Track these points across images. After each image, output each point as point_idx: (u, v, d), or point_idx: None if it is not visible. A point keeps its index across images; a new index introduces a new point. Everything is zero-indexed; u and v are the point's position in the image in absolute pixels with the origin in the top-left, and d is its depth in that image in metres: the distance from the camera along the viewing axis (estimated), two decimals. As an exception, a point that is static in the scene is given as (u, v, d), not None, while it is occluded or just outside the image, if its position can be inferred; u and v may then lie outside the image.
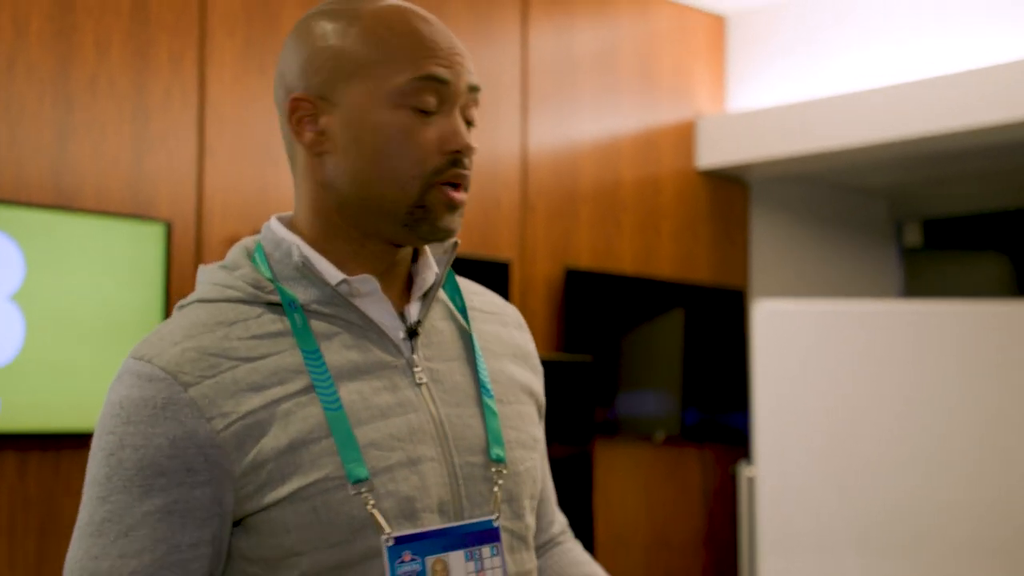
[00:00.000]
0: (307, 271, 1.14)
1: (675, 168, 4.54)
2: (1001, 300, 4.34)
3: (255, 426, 1.07)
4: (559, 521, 1.39)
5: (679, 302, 4.47)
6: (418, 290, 1.19)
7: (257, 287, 1.14)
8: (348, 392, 1.11)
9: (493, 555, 1.13)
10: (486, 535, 1.13)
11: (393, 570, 1.07)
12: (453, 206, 1.14)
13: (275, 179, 3.40)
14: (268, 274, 1.15)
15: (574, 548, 1.37)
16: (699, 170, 4.61)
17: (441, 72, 1.13)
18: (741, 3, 4.67)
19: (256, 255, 1.17)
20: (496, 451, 1.16)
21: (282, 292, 1.14)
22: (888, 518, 3.98)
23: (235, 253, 1.19)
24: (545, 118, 4.13)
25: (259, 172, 3.37)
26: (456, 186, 1.14)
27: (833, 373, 4.10)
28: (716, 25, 4.76)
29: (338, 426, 1.08)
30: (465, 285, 1.29)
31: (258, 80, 3.39)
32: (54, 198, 2.99)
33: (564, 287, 4.08)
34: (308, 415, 1.08)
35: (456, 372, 1.19)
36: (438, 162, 1.13)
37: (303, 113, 1.14)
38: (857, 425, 4.05)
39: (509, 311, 1.32)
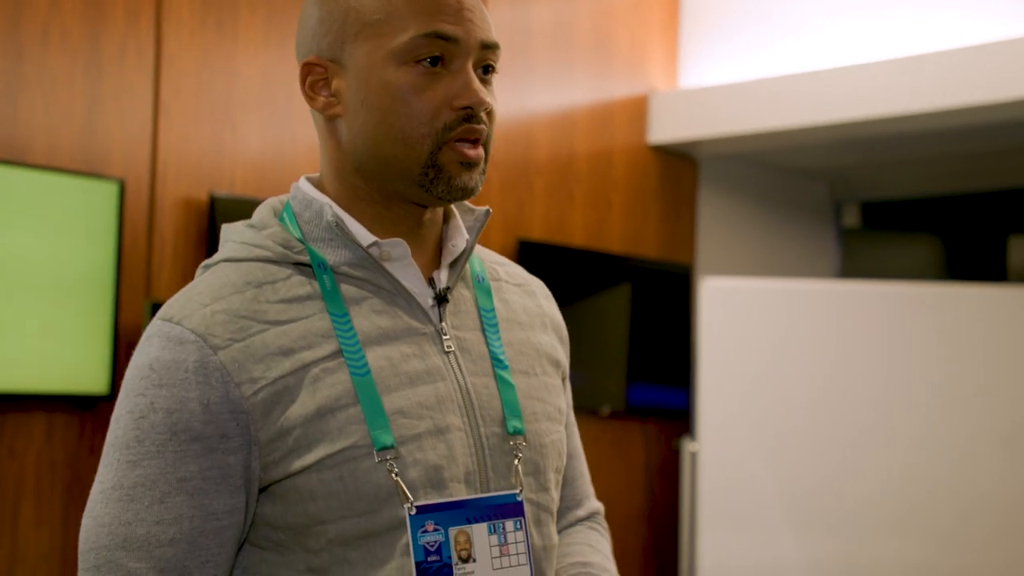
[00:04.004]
0: (339, 231, 1.12)
1: (628, 143, 4.54)
2: (938, 283, 4.43)
3: (283, 392, 1.05)
4: (588, 506, 1.35)
5: (627, 277, 4.48)
6: (448, 256, 1.17)
7: (286, 247, 1.12)
8: (376, 358, 1.09)
9: (516, 529, 1.12)
10: (510, 509, 1.12)
11: (415, 539, 1.06)
12: (468, 163, 1.12)
13: (231, 139, 3.33)
14: (298, 234, 1.13)
15: (581, 533, 1.32)
16: (650, 145, 4.62)
17: (447, 29, 1.10)
18: (696, -21, 4.67)
19: (284, 215, 1.15)
20: (513, 423, 1.15)
21: (312, 253, 1.11)
22: (825, 496, 4.05)
23: (262, 212, 1.17)
24: (500, 89, 4.06)
25: (215, 132, 3.30)
26: (474, 142, 1.12)
27: (776, 351, 4.16)
28: (671, 1, 4.75)
29: (365, 393, 1.06)
30: (490, 256, 1.28)
31: (215, 37, 3.31)
32: (4, 152, 2.89)
33: (517, 258, 4.06)
34: (336, 381, 1.06)
35: (481, 342, 1.17)
36: (449, 118, 1.11)
37: (316, 77, 1.13)
38: (797, 403, 4.11)
39: (535, 282, 1.31)
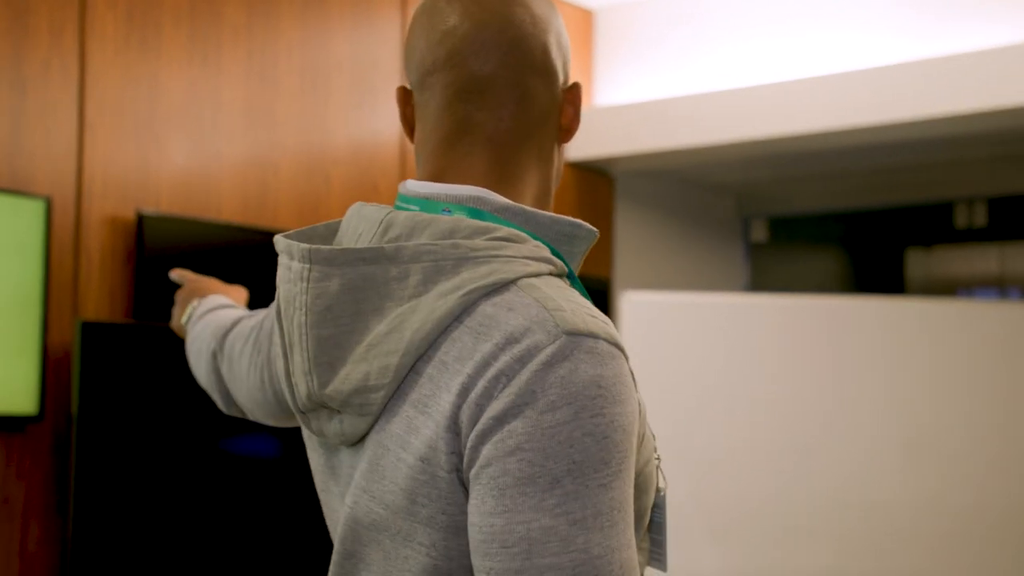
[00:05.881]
0: (578, 243, 1.10)
1: (545, 159, 4.61)
2: (851, 295, 4.59)
3: None
4: None
5: (547, 291, 4.54)
6: None
7: (554, 259, 1.06)
8: None
9: None
10: None
11: (665, 519, 1.12)
12: None
13: (156, 156, 3.31)
14: (550, 247, 1.07)
15: None
16: (568, 162, 4.70)
17: None
18: None
19: (508, 226, 1.06)
20: None
21: (568, 266, 1.09)
22: (740, 505, 4.16)
23: (481, 225, 1.04)
24: (422, 105, 4.12)
25: (141, 149, 3.27)
26: None
27: (694, 363, 4.26)
28: (585, 19, 4.85)
29: None
30: None
31: (140, 54, 3.29)
32: (-73, 170, 2.84)
33: (440, 274, 4.09)
34: None
35: None
36: None
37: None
38: (713, 414, 4.21)
39: None
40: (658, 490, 1.10)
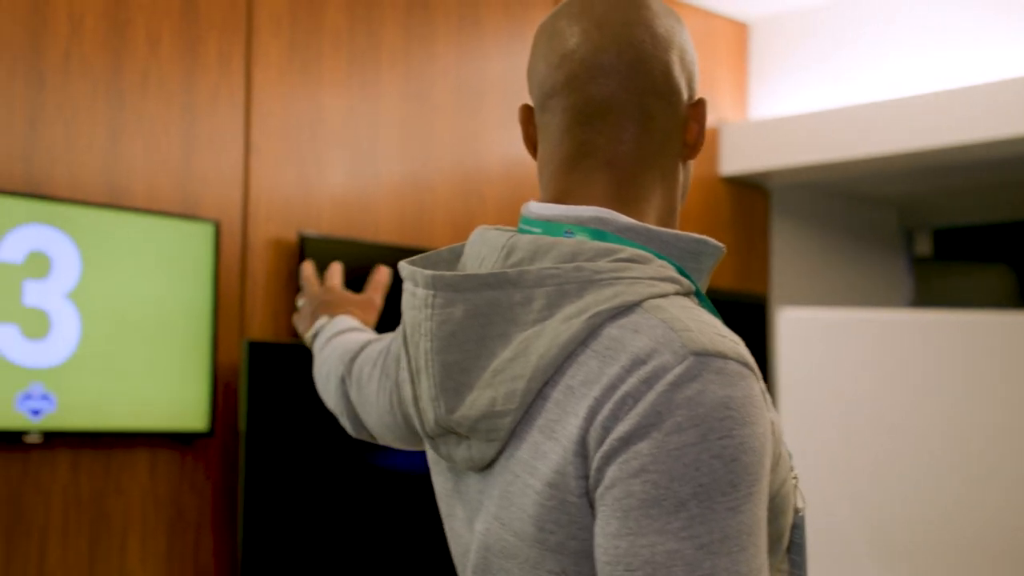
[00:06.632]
0: (703, 261, 1.07)
1: (699, 174, 4.56)
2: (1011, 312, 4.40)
3: None
4: None
5: (702, 308, 4.49)
6: None
7: (679, 279, 1.03)
8: None
9: None
10: None
11: (804, 539, 1.08)
12: None
13: (317, 179, 3.40)
14: (676, 267, 1.05)
15: None
16: (722, 176, 4.64)
17: None
18: (764, 11, 4.70)
19: (631, 246, 1.04)
20: None
21: (696, 285, 1.06)
22: (908, 526, 4.02)
23: (604, 246, 1.02)
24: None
25: (302, 172, 3.37)
26: None
27: (855, 381, 4.14)
28: (740, 32, 4.79)
29: None
30: None
31: (301, 79, 3.38)
32: (107, 196, 2.98)
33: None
34: None
35: None
36: None
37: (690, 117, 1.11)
38: (877, 433, 4.09)
39: None
40: (796, 510, 1.06)
